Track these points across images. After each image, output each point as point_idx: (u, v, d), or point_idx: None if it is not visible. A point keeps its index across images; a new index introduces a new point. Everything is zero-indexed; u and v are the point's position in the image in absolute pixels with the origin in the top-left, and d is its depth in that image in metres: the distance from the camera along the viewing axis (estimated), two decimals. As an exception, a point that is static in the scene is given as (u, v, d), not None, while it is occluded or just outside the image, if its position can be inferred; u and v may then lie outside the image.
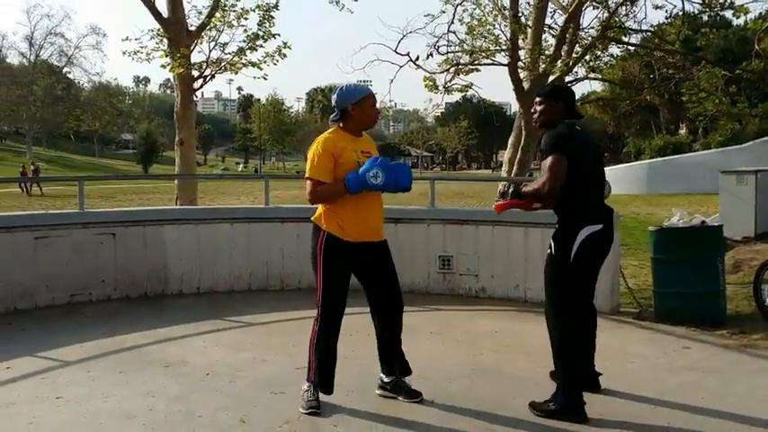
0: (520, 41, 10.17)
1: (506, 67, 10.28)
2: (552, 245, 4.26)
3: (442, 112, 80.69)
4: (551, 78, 10.42)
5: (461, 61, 11.54)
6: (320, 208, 4.25)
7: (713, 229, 6.72)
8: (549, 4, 10.53)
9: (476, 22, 10.45)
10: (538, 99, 4.44)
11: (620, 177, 26.51)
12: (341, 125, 4.22)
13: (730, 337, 6.01)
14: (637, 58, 11.70)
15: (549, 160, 4.07)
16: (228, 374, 4.98)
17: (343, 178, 4.02)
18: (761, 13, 12.85)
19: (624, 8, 10.92)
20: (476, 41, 10.29)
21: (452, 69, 11.59)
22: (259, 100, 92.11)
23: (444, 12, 11.76)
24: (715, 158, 27.91)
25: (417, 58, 11.62)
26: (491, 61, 10.21)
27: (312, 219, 4.29)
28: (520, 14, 10.11)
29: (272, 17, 10.96)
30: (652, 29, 11.65)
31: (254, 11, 11.19)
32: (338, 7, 12.24)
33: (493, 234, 7.38)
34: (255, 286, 7.77)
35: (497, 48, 9.79)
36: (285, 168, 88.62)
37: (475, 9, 11.44)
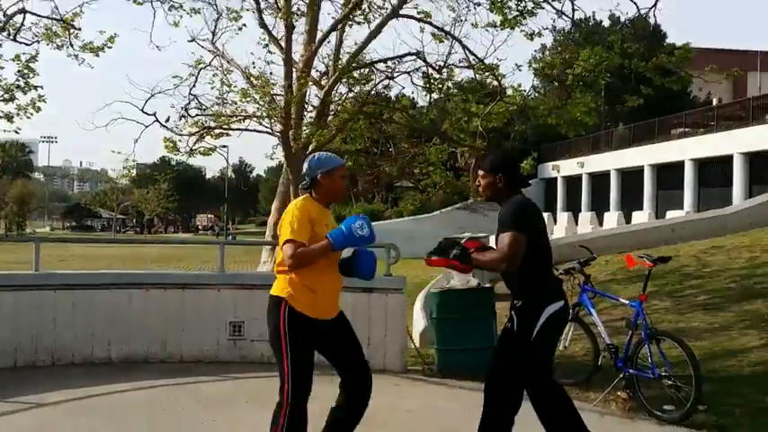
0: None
1: (271, 133, 10.56)
2: (515, 320, 4.05)
3: (137, 174, 77.50)
4: (311, 147, 10.90)
5: (211, 125, 11.62)
6: (282, 281, 3.95)
7: (486, 289, 7.54)
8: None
9: (239, 87, 10.61)
10: (480, 172, 4.19)
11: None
12: (312, 194, 4.08)
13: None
14: (379, 133, 12.67)
15: (508, 236, 3.84)
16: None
17: (326, 237, 3.80)
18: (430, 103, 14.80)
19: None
20: (245, 105, 10.43)
21: (200, 133, 11.62)
22: None
23: (193, 75, 11.80)
24: (409, 225, 30.80)
25: (168, 120, 11.50)
26: (264, 127, 10.38)
27: (272, 293, 3.97)
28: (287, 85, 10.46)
29: (33, 69, 9.92)
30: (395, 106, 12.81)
31: (11, 60, 10.06)
32: (78, 62, 11.63)
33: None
34: (22, 362, 6.86)
35: (273, 114, 9.98)
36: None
37: (226, 75, 11.65)
